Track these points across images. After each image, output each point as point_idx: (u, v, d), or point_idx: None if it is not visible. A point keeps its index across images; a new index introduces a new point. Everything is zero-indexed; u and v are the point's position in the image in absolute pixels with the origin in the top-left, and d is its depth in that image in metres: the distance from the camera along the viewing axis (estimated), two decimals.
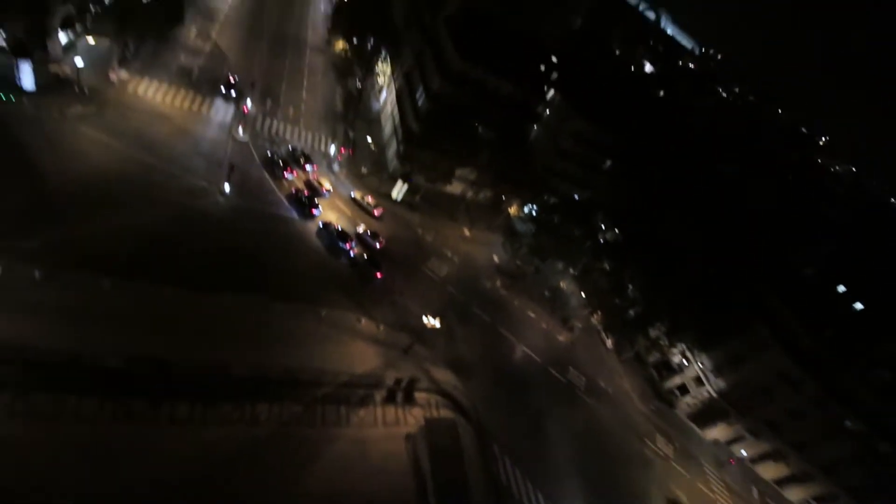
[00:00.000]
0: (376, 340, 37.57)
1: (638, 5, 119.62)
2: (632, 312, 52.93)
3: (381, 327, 38.95)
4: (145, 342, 27.12)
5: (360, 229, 47.10)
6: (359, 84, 63.74)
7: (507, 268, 56.43)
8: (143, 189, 36.89)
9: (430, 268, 48.80)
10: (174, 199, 37.86)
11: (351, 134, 59.17)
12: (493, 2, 61.76)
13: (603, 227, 59.98)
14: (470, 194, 61.37)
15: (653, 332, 52.48)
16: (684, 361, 53.73)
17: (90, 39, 45.56)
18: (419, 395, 34.85)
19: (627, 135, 62.46)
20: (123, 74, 45.84)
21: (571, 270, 59.30)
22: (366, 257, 43.39)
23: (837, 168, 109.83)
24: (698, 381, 51.76)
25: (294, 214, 44.30)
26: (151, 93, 46.41)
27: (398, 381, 34.20)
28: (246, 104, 51.24)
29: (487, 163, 54.98)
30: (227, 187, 41.14)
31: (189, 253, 34.48)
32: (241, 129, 48.95)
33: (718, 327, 48.38)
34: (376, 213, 51.08)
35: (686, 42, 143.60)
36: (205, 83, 51.76)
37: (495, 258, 57.30)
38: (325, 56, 71.66)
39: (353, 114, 61.63)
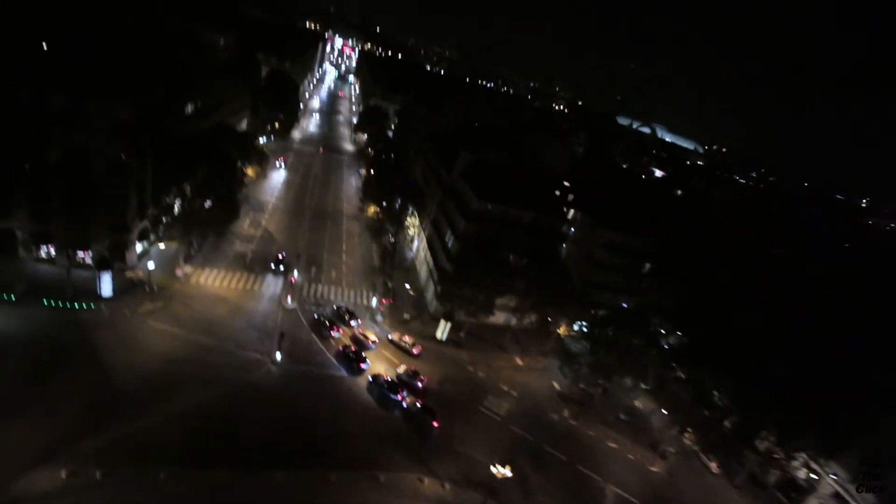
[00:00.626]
0: (443, 502, 33.34)
1: (631, 125, 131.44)
2: (727, 424, 45.80)
3: (447, 486, 34.94)
4: None
5: (400, 370, 46.11)
6: (392, 239, 69.20)
7: (571, 393, 51.93)
8: (201, 370, 38.35)
9: (487, 407, 45.54)
10: (228, 376, 38.84)
11: (390, 284, 61.97)
12: (500, 151, 69.34)
13: (663, 332, 56.04)
14: (514, 322, 60.28)
15: (761, 445, 44.46)
16: (812, 475, 44.14)
17: (161, 245, 52.85)
18: None
19: (657, 236, 62.55)
20: (188, 269, 51.72)
21: (643, 385, 53.85)
22: (418, 405, 41.26)
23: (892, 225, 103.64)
24: (838, 498, 41.66)
25: (343, 371, 44.08)
26: (212, 280, 51.54)
27: None
28: (293, 275, 55.71)
29: (525, 288, 55.13)
30: (278, 355, 42.27)
31: (242, 429, 33.95)
32: (289, 299, 52.28)
33: (837, 425, 40.46)
34: (415, 351, 50.54)
35: (688, 144, 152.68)
36: (257, 264, 57.44)
37: (555, 385, 53.28)
38: (360, 221, 79.56)
39: (389, 266, 65.53)
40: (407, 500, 32.59)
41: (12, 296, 39.15)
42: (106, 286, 42.84)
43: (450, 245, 59.52)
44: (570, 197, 68.12)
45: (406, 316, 56.81)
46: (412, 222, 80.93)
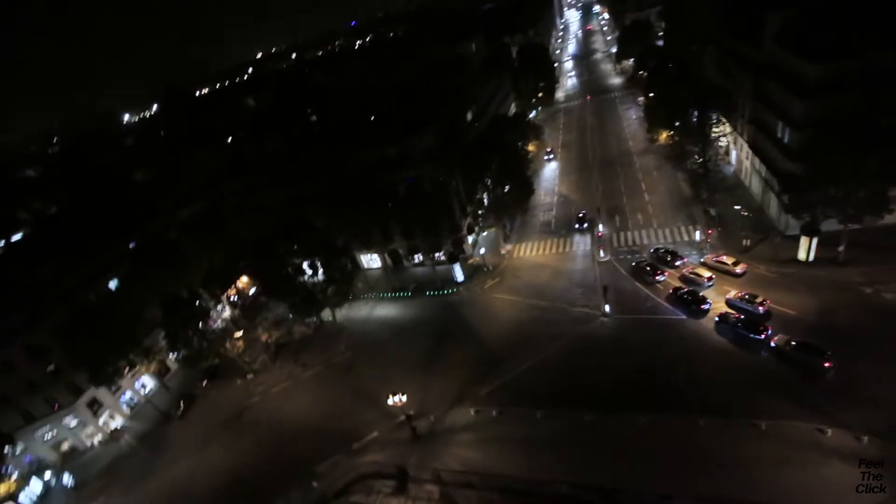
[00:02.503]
0: (862, 459, 25.69)
1: None
2: None
3: (865, 439, 26.77)
4: (581, 465, 28.67)
5: (730, 295, 39.53)
6: (699, 159, 58.72)
7: None
8: (544, 327, 43.66)
9: None
10: (567, 330, 42.48)
11: (712, 211, 52.88)
12: None
13: None
14: None
15: None
16: None
17: (484, 232, 63.09)
18: None
19: None
20: (508, 247, 59.84)
21: None
22: (793, 343, 33.28)
23: None
24: None
25: (681, 315, 40.62)
26: (529, 252, 57.89)
27: None
28: (598, 229, 55.65)
29: None
30: (606, 307, 43.11)
31: (593, 376, 36.42)
32: (601, 252, 52.50)
33: None
34: (738, 270, 42.86)
35: None
36: (562, 227, 60.58)
37: None
38: (653, 154, 71.58)
39: (705, 190, 55.91)
40: (807, 452, 26.85)
41: (408, 293, 55.71)
42: (458, 274, 54.89)
43: (786, 140, 45.50)
44: None
45: (745, 242, 47.14)
46: (721, 131, 66.23)
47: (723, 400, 31.44)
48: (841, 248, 41.10)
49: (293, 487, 33.42)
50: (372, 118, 65.72)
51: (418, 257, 61.51)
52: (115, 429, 48.20)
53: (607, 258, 51.60)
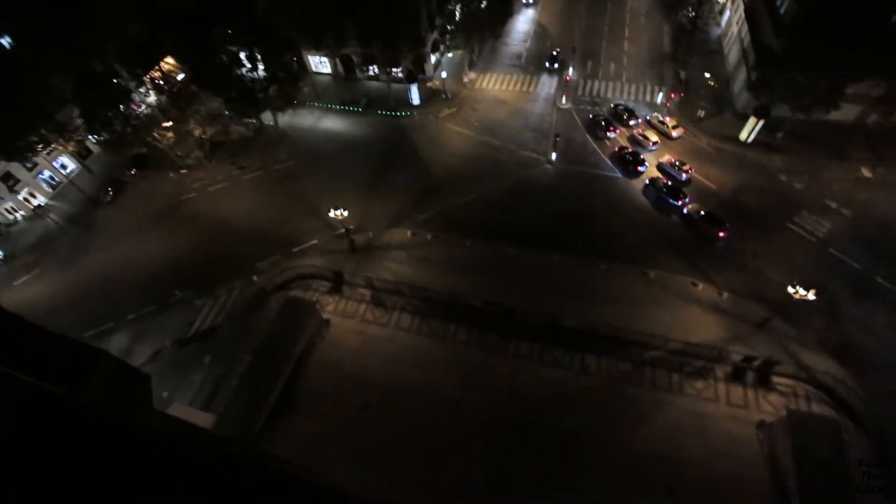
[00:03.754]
0: (717, 309, 32.26)
1: None
2: None
3: (725, 295, 33.05)
4: (496, 289, 33.20)
5: (663, 159, 42.15)
6: (691, 12, 54.22)
7: None
8: (489, 165, 44.61)
9: (800, 224, 37.29)
10: (511, 172, 43.85)
11: (682, 74, 51.47)
12: None
13: None
14: (874, 118, 42.66)
15: None
16: None
17: (449, 54, 57.65)
18: (779, 381, 27.83)
19: None
20: (472, 75, 55.87)
21: None
22: (702, 213, 37.43)
23: None
24: None
25: (618, 173, 42.97)
26: (492, 84, 54.73)
27: (749, 359, 28.32)
28: (567, 73, 52.90)
29: None
30: (553, 155, 44.14)
31: (525, 216, 39.42)
32: (563, 98, 51.03)
33: None
34: (673, 134, 45.01)
35: None
36: (532, 63, 56.69)
37: None
38: None
39: (684, 50, 53.25)
40: (677, 299, 32.93)
41: (359, 108, 52.44)
42: (415, 95, 51.63)
43: (783, 10, 42.73)
44: None
45: (700, 113, 47.77)
46: None
47: (627, 251, 36.15)
48: (780, 135, 43.30)
49: (234, 280, 36.02)
50: None
51: (373, 69, 56.20)
52: (39, 206, 46.49)
53: (568, 106, 50.58)
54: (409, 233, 38.66)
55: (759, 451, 24.97)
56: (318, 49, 55.20)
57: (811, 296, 27.29)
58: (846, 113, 42.52)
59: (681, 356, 29.07)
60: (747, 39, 48.32)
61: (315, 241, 38.68)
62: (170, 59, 51.53)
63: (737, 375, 28.07)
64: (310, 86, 53.65)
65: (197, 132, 48.65)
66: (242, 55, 45.25)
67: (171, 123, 47.94)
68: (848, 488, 21.85)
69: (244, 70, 45.19)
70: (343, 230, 36.80)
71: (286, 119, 50.76)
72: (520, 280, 34.38)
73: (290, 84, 47.10)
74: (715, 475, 24.07)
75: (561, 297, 32.92)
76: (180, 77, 51.73)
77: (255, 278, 35.85)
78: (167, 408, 25.86)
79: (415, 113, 51.59)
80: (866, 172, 41.12)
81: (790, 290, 27.66)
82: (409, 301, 32.89)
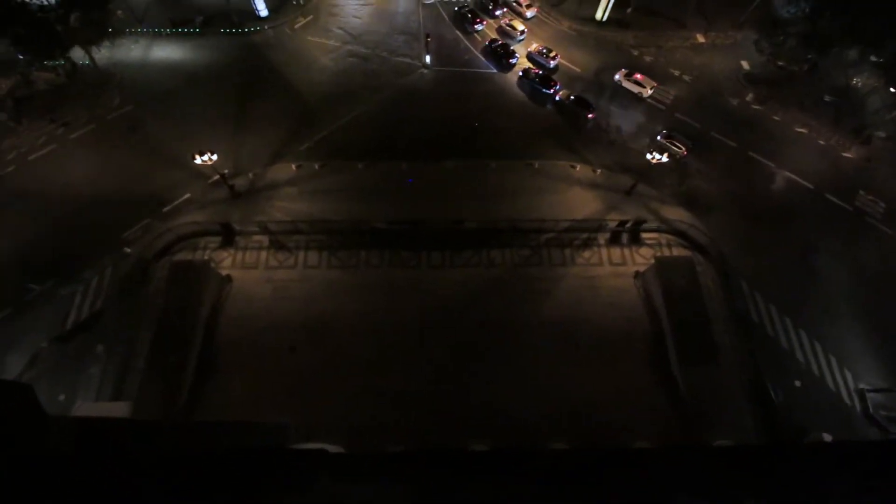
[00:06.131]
0: (594, 185, 36.07)
1: None
2: None
3: (599, 171, 36.82)
4: (398, 207, 33.38)
5: (532, 48, 43.62)
6: None
7: (763, 73, 43.04)
8: (363, 79, 41.85)
9: (652, 96, 41.55)
10: (388, 81, 41.73)
11: None
12: None
13: None
14: None
15: None
16: None
17: None
18: (647, 236, 32.97)
19: None
20: None
21: (874, 58, 40.90)
22: (572, 98, 39.81)
23: None
24: None
25: (492, 68, 43.06)
26: None
27: (622, 223, 32.85)
28: None
29: None
30: (427, 58, 42.45)
31: (410, 127, 38.64)
32: None
33: None
34: (527, 14, 46.49)
35: None
36: None
37: (744, 64, 44.16)
38: None
39: None
40: (560, 182, 36.01)
41: (196, 29, 44.26)
42: (260, 5, 44.62)
43: None
44: None
45: None
46: None
47: (512, 146, 37.85)
48: (629, 10, 45.90)
49: (102, 257, 31.37)
50: None
51: None
52: None
53: (432, 0, 47.79)
54: (293, 166, 35.98)
55: (637, 296, 30.24)
56: None
57: (665, 158, 31.66)
58: None
59: (569, 233, 32.72)
60: None
61: (188, 195, 34.45)
62: None
63: (614, 239, 32.64)
64: (125, 8, 43.54)
65: None
66: None
67: None
68: (701, 307, 27.91)
69: None
70: (217, 176, 33.14)
71: (105, 55, 41.37)
72: (418, 193, 34.69)
73: (94, 7, 37.76)
74: (608, 323, 29.02)
75: (460, 201, 34.15)
76: None
77: (127, 250, 31.61)
78: (71, 410, 23.47)
79: (265, 27, 45.08)
80: (700, 38, 46.05)
81: (648, 156, 31.68)
82: (312, 237, 31.81)
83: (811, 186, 36.94)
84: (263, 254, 31.10)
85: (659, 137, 38.00)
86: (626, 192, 34.92)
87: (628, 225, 32.70)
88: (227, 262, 30.73)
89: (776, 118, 40.88)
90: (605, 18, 46.14)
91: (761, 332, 30.30)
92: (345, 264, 30.90)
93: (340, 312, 28.86)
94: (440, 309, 29.31)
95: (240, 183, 34.59)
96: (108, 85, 40.55)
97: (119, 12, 42.54)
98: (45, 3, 35.69)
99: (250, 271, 30.45)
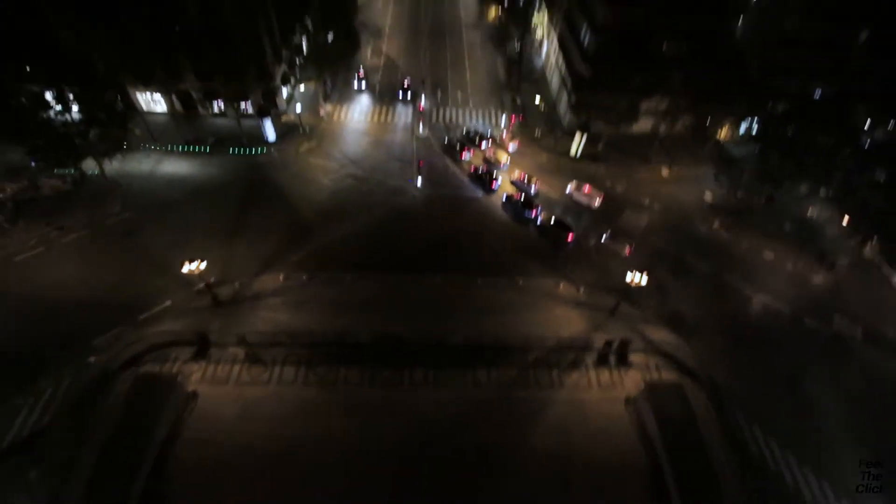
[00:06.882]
0: (578, 303, 36.55)
1: None
2: None
3: (581, 290, 37.65)
4: (384, 320, 32.82)
5: (514, 175, 47.46)
6: (517, 45, 61.96)
7: (726, 204, 47.05)
8: (359, 198, 44.47)
9: (626, 220, 44.53)
10: (381, 201, 44.29)
11: (518, 100, 58.17)
12: None
13: (868, 125, 44.03)
14: (663, 128, 53.28)
15: None
16: None
17: (302, 87, 56.42)
18: (635, 357, 32.46)
19: None
20: (328, 107, 55.45)
21: (823, 192, 45.56)
22: (552, 221, 42.38)
23: None
24: None
25: (478, 193, 46.38)
26: (349, 115, 54.94)
27: (608, 343, 32.54)
28: (420, 102, 55.77)
29: (681, 85, 46.35)
30: (418, 182, 45.84)
31: (400, 244, 40.05)
32: (420, 126, 53.57)
33: None
34: (510, 148, 51.39)
35: None
36: (386, 93, 58.50)
37: (707, 195, 48.44)
38: (481, 29, 71.93)
39: (516, 78, 60.40)
40: (545, 300, 36.44)
41: (207, 148, 48.00)
42: (269, 131, 49.11)
43: (586, 43, 51.14)
44: None
45: (537, 133, 54.31)
46: (540, 20, 70.06)
47: (497, 263, 39.06)
48: (600, 147, 51.47)
49: (63, 365, 29.58)
50: None
51: (219, 105, 52.12)
52: None
53: (426, 134, 53.20)
54: (281, 277, 36.24)
55: (629, 423, 28.68)
56: (148, 85, 49.43)
57: (644, 280, 32.65)
58: (644, 125, 52.50)
59: (556, 353, 32.12)
60: (563, 68, 56.70)
61: (169, 303, 33.91)
62: None
63: (602, 360, 32.01)
64: (142, 126, 47.51)
65: None
66: (49, 95, 38.22)
67: None
68: (697, 436, 26.46)
69: (53, 113, 38.18)
70: (202, 284, 32.97)
71: (115, 166, 44.03)
72: (404, 307, 34.58)
73: (115, 126, 41.13)
74: (600, 456, 26.88)
75: (446, 317, 33.95)
76: None
77: (91, 359, 29.93)
78: None
79: (272, 149, 49.07)
80: (664, 172, 51.01)
81: (628, 277, 32.71)
82: (291, 351, 30.65)
83: (787, 311, 37.94)
84: (237, 368, 29.55)
85: (604, 239, 41.74)
86: (609, 312, 35.29)
87: (615, 345, 32.41)
88: (197, 375, 28.98)
89: (744, 244, 43.55)
90: (578, 154, 51.39)
91: (761, 465, 28.44)
92: (322, 381, 29.28)
93: (312, 437, 26.54)
94: (421, 433, 27.16)
95: (225, 292, 34.35)
96: (113, 193, 42.33)
97: (137, 130, 46.25)
98: (69, 119, 38.72)
99: (220, 387, 28.59)
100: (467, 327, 32.99)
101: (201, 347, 30.12)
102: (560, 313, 35.58)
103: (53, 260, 36.57)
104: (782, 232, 44.88)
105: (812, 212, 46.87)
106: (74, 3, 39.45)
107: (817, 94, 47.42)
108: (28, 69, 37.32)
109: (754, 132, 47.28)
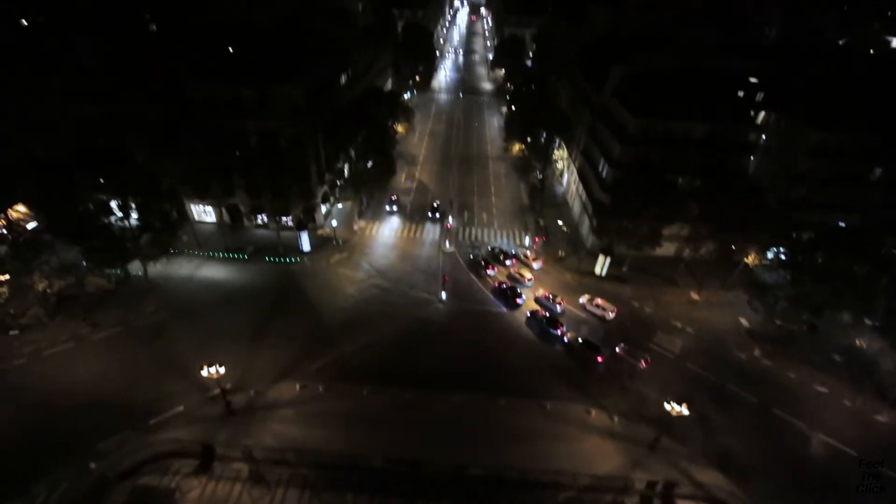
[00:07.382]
0: (612, 434, 33.38)
1: None
2: None
3: (616, 419, 34.66)
4: (397, 441, 30.49)
5: (539, 293, 47.22)
6: (539, 175, 67.02)
7: (765, 331, 44.91)
8: (383, 308, 44.73)
9: (658, 344, 42.66)
10: (404, 313, 44.36)
11: (541, 222, 60.91)
12: (660, 55, 58.59)
13: None
14: (687, 252, 53.80)
15: None
16: None
17: (339, 205, 61.18)
18: (682, 503, 28.34)
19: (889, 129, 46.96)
20: (362, 223, 59.24)
21: (868, 321, 43.26)
22: (580, 340, 40.97)
23: None
24: None
25: (502, 308, 46.12)
26: (381, 231, 58.25)
27: (651, 485, 28.79)
28: (448, 221, 59.07)
29: (700, 214, 48.00)
30: (443, 295, 46.31)
31: (421, 357, 38.98)
32: (447, 243, 55.94)
33: None
34: (534, 266, 52.21)
35: None
36: (416, 213, 62.50)
37: (743, 321, 46.65)
38: (505, 161, 78.76)
39: (539, 203, 64.08)
40: (575, 429, 33.48)
41: (245, 255, 50.89)
42: (305, 243, 52.15)
43: (605, 175, 54.90)
44: (760, 96, 55.32)
45: (560, 253, 55.59)
46: (560, 155, 76.65)
47: (521, 383, 37.01)
48: (624, 269, 51.81)
49: (63, 468, 27.89)
50: (229, 49, 56.58)
51: (262, 218, 56.47)
52: None
53: (452, 249, 55.25)
54: (297, 386, 35.12)
55: None
56: (203, 199, 54.57)
57: (685, 410, 29.91)
58: (668, 249, 53.20)
59: (591, 492, 28.45)
60: (584, 195, 60.11)
61: (181, 408, 32.78)
62: (20, 207, 46.18)
63: None
64: (190, 234, 51.30)
65: (41, 286, 41.72)
66: (113, 203, 42.43)
67: (7, 277, 40.72)
68: None
69: (113, 219, 41.95)
70: (217, 390, 32.10)
71: (158, 268, 46.65)
72: (422, 427, 32.33)
73: (166, 233, 44.54)
74: None
75: (465, 442, 31.35)
76: (31, 226, 45.94)
77: (92, 465, 28.19)
78: None
79: (305, 259, 51.50)
80: (694, 295, 50.08)
81: (666, 406, 30.12)
82: (297, 471, 28.29)
83: (853, 452, 33.42)
84: (238, 487, 27.17)
85: (618, 350, 40.13)
86: (649, 447, 31.88)
87: (658, 488, 28.58)
88: (195, 493, 26.68)
89: (791, 375, 40.38)
90: (603, 273, 51.68)
91: None
92: None
93: None
94: None
95: (238, 399, 33.22)
96: (150, 294, 44.12)
97: (185, 237, 49.80)
98: (125, 225, 42.27)
99: None
100: (488, 455, 30.16)
101: (205, 460, 28.22)
102: (592, 445, 32.37)
103: (80, 356, 36.93)
104: (831, 363, 41.75)
105: (860, 342, 44.00)
106: (150, 133, 45.84)
107: (841, 223, 47.95)
108: (101, 181, 42.10)
109: (783, 257, 47.03)
